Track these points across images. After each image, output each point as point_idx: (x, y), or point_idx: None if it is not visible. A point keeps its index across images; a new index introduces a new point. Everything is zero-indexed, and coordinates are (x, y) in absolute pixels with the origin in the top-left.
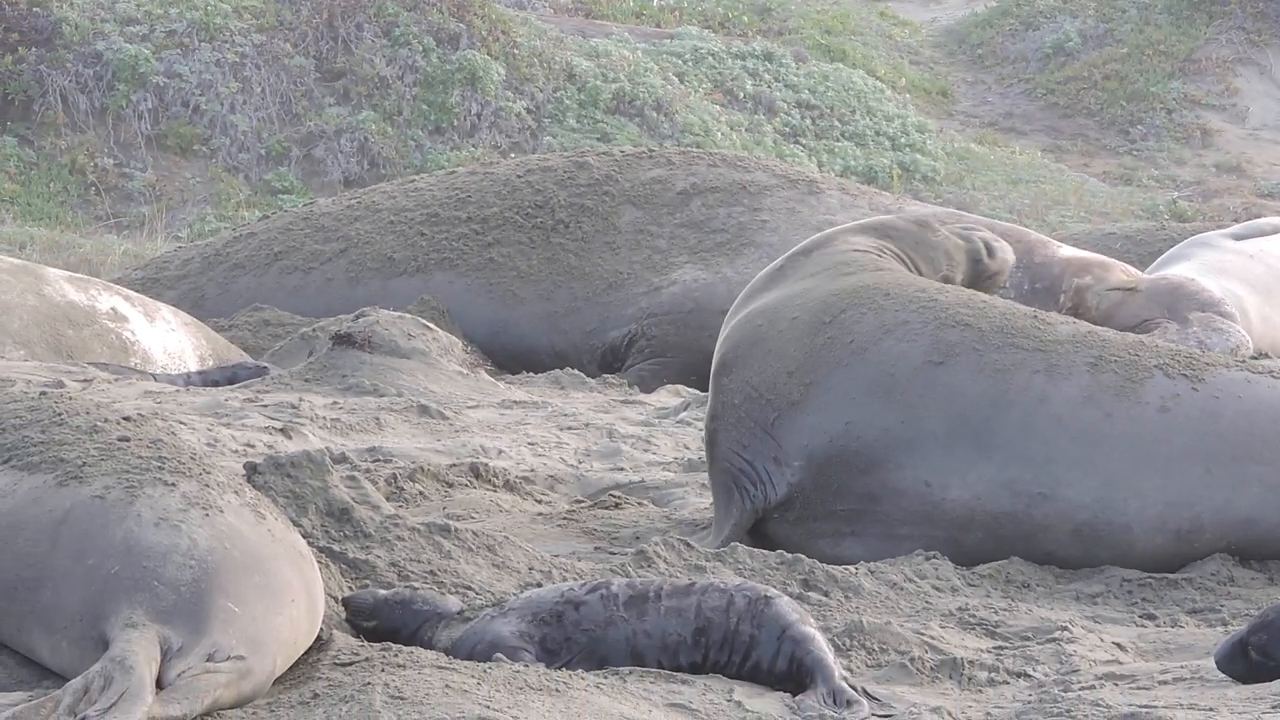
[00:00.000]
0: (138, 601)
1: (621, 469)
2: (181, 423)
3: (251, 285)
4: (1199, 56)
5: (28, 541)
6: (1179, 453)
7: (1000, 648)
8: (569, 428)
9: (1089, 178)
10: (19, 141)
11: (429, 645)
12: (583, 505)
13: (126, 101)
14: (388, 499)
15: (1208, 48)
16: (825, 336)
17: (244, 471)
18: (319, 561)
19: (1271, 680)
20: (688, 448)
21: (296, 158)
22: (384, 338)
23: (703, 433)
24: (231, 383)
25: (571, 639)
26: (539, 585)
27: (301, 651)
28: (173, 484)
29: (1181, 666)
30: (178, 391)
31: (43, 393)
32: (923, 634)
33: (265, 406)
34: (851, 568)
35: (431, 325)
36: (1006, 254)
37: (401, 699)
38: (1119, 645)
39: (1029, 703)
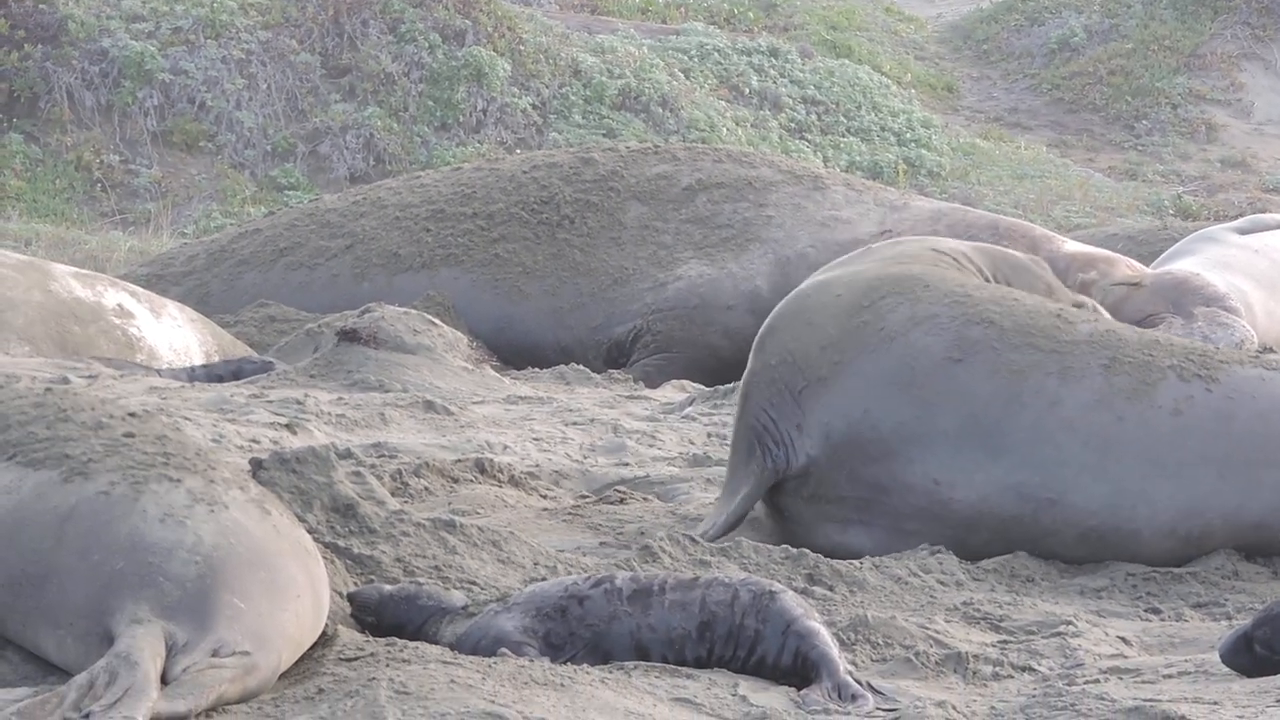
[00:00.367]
0: (143, 597)
1: (626, 464)
2: (186, 418)
3: (257, 281)
4: (1204, 51)
5: (33, 537)
6: (1192, 458)
7: (1005, 642)
8: (574, 423)
9: (1094, 173)
10: (25, 138)
11: (434, 640)
12: (588, 500)
13: (132, 98)
14: (393, 494)
15: (1213, 43)
16: (860, 319)
17: (249, 467)
18: (324, 557)
19: (1276, 674)
20: (693, 443)
21: (302, 154)
22: (389, 333)
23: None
24: (237, 378)
25: (576, 634)
26: (544, 580)
27: (306, 647)
28: (178, 480)
29: (1186, 660)
30: (183, 387)
31: (48, 389)
32: (927, 628)
33: (270, 402)
34: (856, 562)
35: (437, 321)
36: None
37: (406, 694)
38: (1124, 639)
39: (1034, 697)
